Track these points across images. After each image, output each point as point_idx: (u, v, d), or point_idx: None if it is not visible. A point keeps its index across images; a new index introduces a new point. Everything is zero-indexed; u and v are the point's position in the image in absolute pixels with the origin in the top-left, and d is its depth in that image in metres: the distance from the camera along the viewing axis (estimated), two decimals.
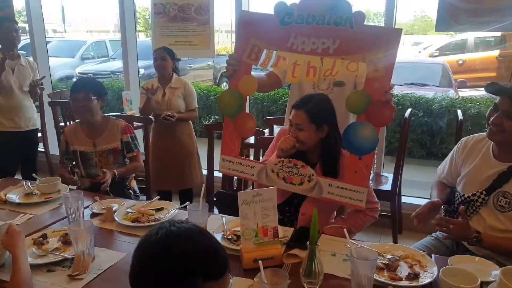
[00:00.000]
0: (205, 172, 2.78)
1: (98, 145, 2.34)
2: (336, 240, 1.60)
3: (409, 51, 10.05)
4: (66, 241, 1.56)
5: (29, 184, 2.15)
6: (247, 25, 1.74)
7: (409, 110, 2.86)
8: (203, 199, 1.61)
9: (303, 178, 1.68)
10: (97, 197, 1.99)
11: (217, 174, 2.69)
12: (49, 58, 4.64)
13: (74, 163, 2.41)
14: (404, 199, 3.15)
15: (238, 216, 1.59)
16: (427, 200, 1.78)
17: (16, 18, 4.37)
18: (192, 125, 3.18)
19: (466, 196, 1.69)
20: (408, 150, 4.24)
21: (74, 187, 2.27)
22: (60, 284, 1.33)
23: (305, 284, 1.29)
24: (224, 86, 7.47)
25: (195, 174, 3.16)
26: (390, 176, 2.86)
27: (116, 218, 1.77)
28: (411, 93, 5.20)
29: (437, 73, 6.27)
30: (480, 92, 6.44)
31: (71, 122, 3.57)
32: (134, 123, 2.90)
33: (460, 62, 7.64)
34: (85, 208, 1.82)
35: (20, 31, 3.23)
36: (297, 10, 1.62)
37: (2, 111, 3.18)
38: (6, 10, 4.29)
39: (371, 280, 1.22)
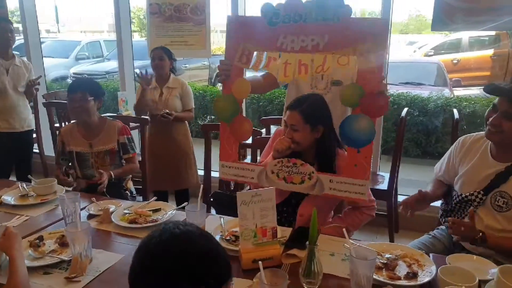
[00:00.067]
0: (202, 172, 2.77)
1: (94, 146, 2.33)
2: (335, 240, 1.60)
3: (404, 51, 10.09)
4: (62, 243, 1.55)
5: (25, 185, 2.13)
6: (236, 29, 1.76)
7: (406, 109, 2.87)
8: (200, 199, 1.60)
9: (304, 177, 1.69)
10: (94, 198, 1.98)
11: (214, 174, 2.69)
12: (43, 58, 4.60)
13: (70, 164, 2.40)
14: (401, 198, 3.14)
15: (235, 216, 1.58)
16: None
17: (9, 18, 4.33)
18: (188, 125, 3.18)
19: (463, 195, 1.69)
20: (403, 149, 4.25)
21: (70, 189, 2.26)
22: (57, 286, 1.32)
23: (304, 284, 1.29)
24: (220, 86, 7.46)
25: (191, 174, 3.16)
26: (387, 175, 2.87)
27: (113, 220, 1.76)
28: (406, 93, 5.22)
29: (432, 72, 6.29)
30: (475, 91, 6.48)
31: (66, 123, 3.56)
32: (130, 123, 2.88)
33: (455, 61, 7.68)
34: (81, 209, 1.80)
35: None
36: (283, 10, 1.64)
37: None
38: (0, 10, 4.25)
39: (370, 280, 1.22)
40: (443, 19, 2.87)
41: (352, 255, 1.22)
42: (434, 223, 2.09)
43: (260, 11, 1.69)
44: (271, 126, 2.98)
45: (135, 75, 2.94)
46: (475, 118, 4.84)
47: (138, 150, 2.69)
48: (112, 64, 7.90)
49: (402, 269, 1.37)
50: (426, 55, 8.32)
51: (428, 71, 6.36)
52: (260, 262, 1.17)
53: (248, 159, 2.75)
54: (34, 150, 3.64)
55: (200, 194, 1.61)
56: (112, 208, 1.87)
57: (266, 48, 1.70)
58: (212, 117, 6.07)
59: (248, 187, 2.04)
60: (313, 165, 1.73)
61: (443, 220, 1.82)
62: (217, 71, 1.80)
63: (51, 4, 14.76)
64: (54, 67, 8.54)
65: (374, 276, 1.27)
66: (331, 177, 1.67)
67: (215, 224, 1.69)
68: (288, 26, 1.64)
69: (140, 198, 2.62)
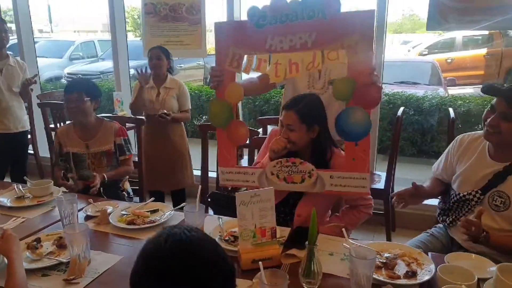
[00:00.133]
0: (199, 172, 2.77)
1: (91, 147, 2.32)
2: (334, 240, 1.60)
3: (398, 50, 10.13)
4: (60, 245, 1.54)
5: (20, 187, 2.12)
6: (224, 35, 1.78)
7: (402, 108, 2.88)
8: (198, 200, 1.60)
9: (304, 175, 1.69)
10: (91, 199, 1.97)
11: (212, 174, 2.69)
12: (37, 58, 4.56)
13: (68, 166, 2.38)
14: None
15: (233, 216, 1.58)
16: None
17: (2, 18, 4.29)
18: (184, 126, 3.17)
19: (461, 195, 1.70)
20: (399, 148, 4.28)
21: (67, 190, 2.24)
22: None
23: (304, 284, 1.29)
24: None
25: (186, 175, 3.16)
26: (383, 175, 2.88)
27: (111, 221, 1.75)
28: (401, 92, 5.24)
29: (427, 72, 6.33)
30: (469, 90, 6.53)
31: (62, 124, 3.54)
32: (126, 123, 2.87)
33: (449, 61, 7.72)
34: (79, 210, 1.79)
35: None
36: (269, 11, 1.66)
37: None
38: None
39: (370, 279, 1.23)
40: (438, 18, 2.89)
41: (352, 255, 1.22)
42: (431, 221, 2.10)
43: (247, 15, 1.72)
44: (268, 126, 2.98)
45: (136, 71, 2.92)
46: (469, 117, 4.87)
47: (134, 151, 2.67)
48: (107, 64, 7.84)
49: (401, 268, 1.38)
50: (420, 54, 8.36)
51: (422, 71, 6.40)
52: (260, 262, 1.17)
53: (245, 158, 2.75)
54: (29, 151, 3.61)
55: (198, 195, 1.61)
56: (109, 209, 1.86)
57: (255, 50, 1.72)
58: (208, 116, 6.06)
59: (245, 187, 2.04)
60: None
61: (441, 218, 1.83)
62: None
63: (44, 4, 14.66)
64: (47, 67, 8.48)
65: (374, 276, 1.27)
66: (331, 173, 1.68)
67: (214, 225, 1.69)
68: (275, 27, 1.66)
69: (137, 198, 2.61)
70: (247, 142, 2.37)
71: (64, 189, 2.15)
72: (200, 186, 1.67)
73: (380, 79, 1.66)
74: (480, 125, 4.92)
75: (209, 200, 2.21)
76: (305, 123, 1.70)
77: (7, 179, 3.20)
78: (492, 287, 1.23)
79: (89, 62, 9.37)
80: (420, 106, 5.03)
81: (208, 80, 7.90)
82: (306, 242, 1.30)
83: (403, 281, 1.30)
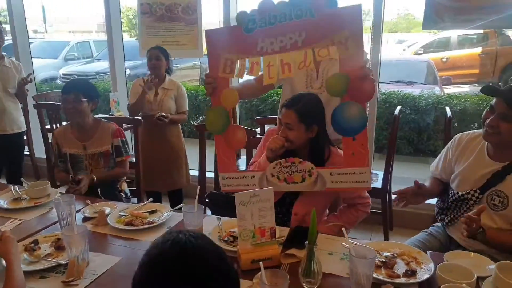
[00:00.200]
0: (197, 173, 2.76)
1: (88, 148, 2.30)
2: (333, 239, 1.60)
3: (394, 49, 10.15)
4: (58, 247, 1.53)
5: (17, 188, 2.10)
6: (215, 41, 1.80)
7: (399, 107, 2.89)
8: (197, 200, 1.59)
9: (304, 174, 1.70)
10: (89, 200, 1.96)
11: (209, 174, 2.68)
12: (32, 59, 4.54)
13: (70, 167, 2.36)
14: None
15: (231, 216, 1.58)
16: None
17: None
18: (180, 126, 3.17)
19: (460, 194, 1.70)
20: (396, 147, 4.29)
21: (63, 191, 2.23)
22: None
23: (304, 284, 1.29)
24: None
25: (182, 175, 3.15)
26: (380, 174, 2.88)
27: (109, 222, 1.74)
28: (398, 91, 5.26)
29: (423, 71, 6.36)
30: (465, 89, 6.56)
31: (58, 125, 3.52)
32: (123, 124, 2.86)
33: (444, 60, 7.75)
34: (76, 212, 1.79)
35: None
36: (258, 15, 1.68)
37: None
38: None
39: (370, 278, 1.23)
40: (434, 17, 2.91)
41: (351, 254, 1.23)
42: (428, 220, 2.11)
43: (236, 20, 1.73)
44: (266, 126, 2.98)
45: (146, 78, 2.90)
46: (465, 116, 4.90)
47: (131, 152, 2.66)
48: (102, 65, 7.82)
49: (400, 267, 1.38)
50: (416, 53, 8.38)
51: (418, 70, 6.42)
52: (261, 263, 1.17)
53: (243, 158, 2.74)
54: (25, 153, 3.59)
55: (197, 195, 1.61)
56: (107, 210, 1.85)
57: (247, 54, 1.73)
58: (204, 117, 6.05)
59: None
60: None
61: (439, 217, 1.83)
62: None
63: (38, 4, 14.57)
64: (42, 67, 8.43)
65: (374, 275, 1.27)
66: (331, 170, 1.68)
67: (213, 225, 1.68)
68: (265, 30, 1.68)
69: (134, 199, 2.60)
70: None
71: (62, 191, 2.14)
72: (198, 187, 1.67)
73: (372, 72, 1.68)
74: (476, 124, 4.95)
75: (207, 200, 2.21)
76: (304, 123, 1.70)
77: (3, 181, 3.19)
78: (492, 285, 1.24)
79: (84, 62, 9.33)
80: (416, 105, 5.04)
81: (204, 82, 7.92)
82: (306, 242, 1.30)
83: (402, 280, 1.30)
